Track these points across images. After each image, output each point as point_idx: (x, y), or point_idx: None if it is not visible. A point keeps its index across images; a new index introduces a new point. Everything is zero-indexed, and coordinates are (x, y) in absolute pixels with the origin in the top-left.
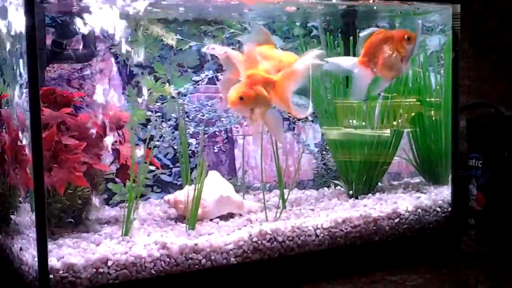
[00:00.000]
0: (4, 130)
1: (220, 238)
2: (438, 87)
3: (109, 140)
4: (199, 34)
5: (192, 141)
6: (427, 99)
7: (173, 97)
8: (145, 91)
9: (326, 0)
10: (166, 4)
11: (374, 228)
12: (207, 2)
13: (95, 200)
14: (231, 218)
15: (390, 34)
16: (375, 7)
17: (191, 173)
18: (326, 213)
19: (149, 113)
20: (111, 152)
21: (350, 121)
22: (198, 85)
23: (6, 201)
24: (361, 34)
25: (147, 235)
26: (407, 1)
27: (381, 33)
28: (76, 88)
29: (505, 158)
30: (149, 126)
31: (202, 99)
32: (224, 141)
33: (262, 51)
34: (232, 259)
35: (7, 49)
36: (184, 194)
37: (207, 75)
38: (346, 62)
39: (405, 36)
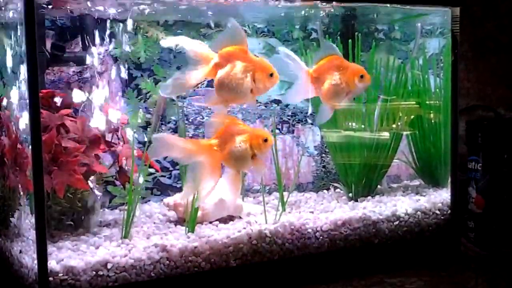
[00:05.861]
0: (4, 133)
1: (219, 240)
2: (437, 89)
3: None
4: (199, 36)
5: None
6: (427, 102)
7: (172, 100)
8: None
9: (326, 2)
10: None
11: (374, 230)
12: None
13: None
14: (231, 221)
15: (346, 65)
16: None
17: None
18: (326, 215)
19: (148, 115)
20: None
21: (350, 123)
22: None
23: (6, 204)
24: (325, 43)
25: (146, 237)
26: (407, 4)
27: (339, 60)
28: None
29: (505, 161)
30: (148, 129)
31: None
32: None
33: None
34: (231, 261)
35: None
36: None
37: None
38: (297, 62)
39: (360, 74)
